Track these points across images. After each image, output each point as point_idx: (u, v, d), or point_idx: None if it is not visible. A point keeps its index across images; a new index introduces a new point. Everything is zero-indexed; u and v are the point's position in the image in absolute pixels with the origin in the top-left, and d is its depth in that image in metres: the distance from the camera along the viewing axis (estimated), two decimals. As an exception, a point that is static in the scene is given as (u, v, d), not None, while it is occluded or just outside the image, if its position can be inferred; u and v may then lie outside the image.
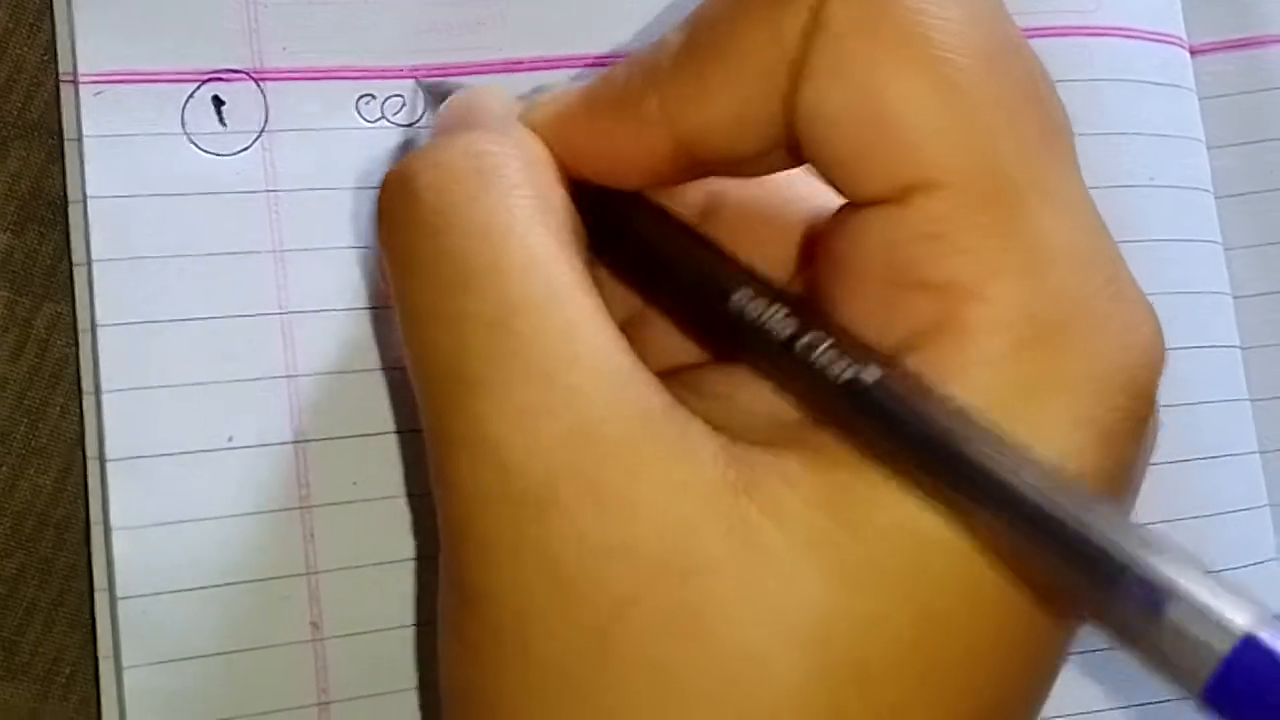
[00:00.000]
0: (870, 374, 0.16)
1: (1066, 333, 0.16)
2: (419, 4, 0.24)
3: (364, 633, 0.22)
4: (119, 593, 0.21)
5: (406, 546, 0.22)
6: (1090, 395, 0.16)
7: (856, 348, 0.16)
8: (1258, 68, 0.29)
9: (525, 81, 0.25)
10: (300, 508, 0.22)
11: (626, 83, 0.19)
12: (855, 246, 0.17)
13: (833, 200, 0.19)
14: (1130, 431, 0.16)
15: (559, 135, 0.19)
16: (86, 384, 0.22)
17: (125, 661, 0.21)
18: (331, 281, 0.23)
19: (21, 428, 0.23)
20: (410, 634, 0.22)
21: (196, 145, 0.23)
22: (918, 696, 0.16)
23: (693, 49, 0.18)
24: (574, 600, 0.16)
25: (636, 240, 0.19)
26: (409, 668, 0.22)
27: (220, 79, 0.23)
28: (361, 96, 0.24)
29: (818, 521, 0.16)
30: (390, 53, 0.24)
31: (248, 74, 0.23)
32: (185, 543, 0.21)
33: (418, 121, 0.24)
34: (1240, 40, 0.29)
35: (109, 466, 0.21)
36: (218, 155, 0.23)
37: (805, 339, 0.16)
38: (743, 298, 0.17)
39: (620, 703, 0.16)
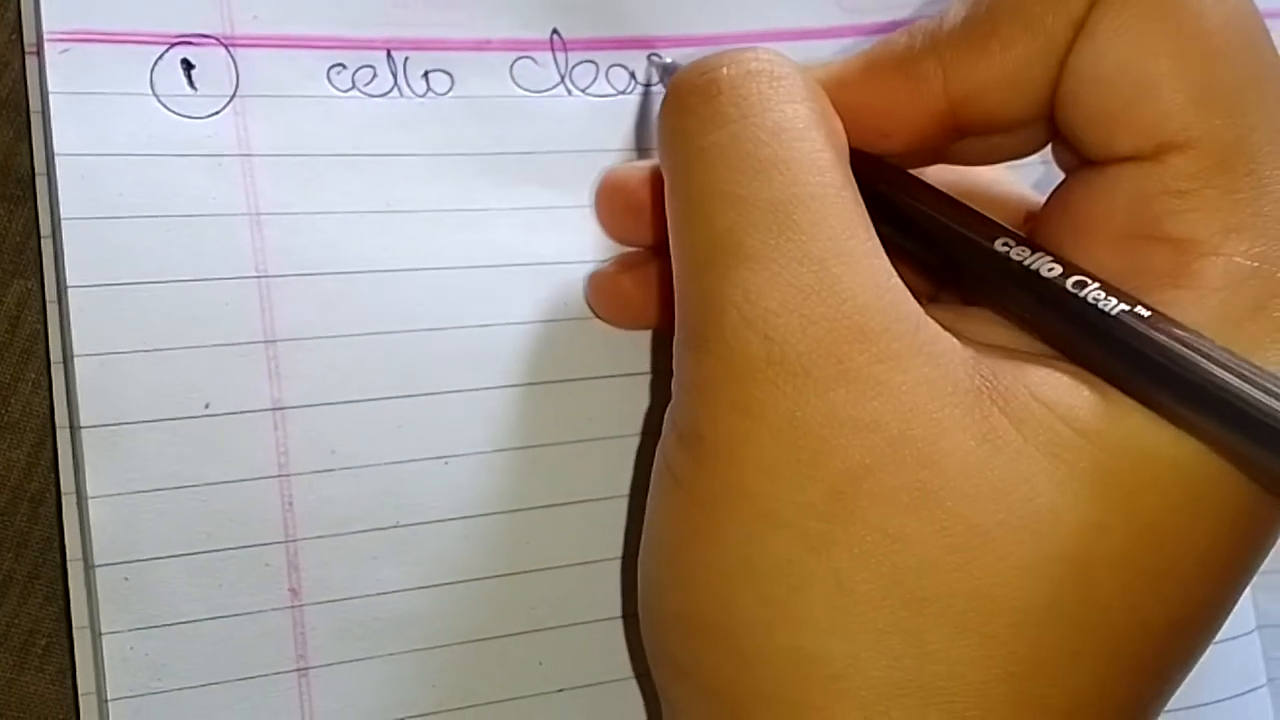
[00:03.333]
0: (1139, 308, 0.18)
1: None
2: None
3: (342, 599, 0.22)
4: (96, 560, 0.21)
5: (385, 514, 0.23)
6: None
7: (1114, 288, 0.19)
8: None
9: (498, 61, 0.26)
10: (279, 475, 0.22)
11: (908, 46, 0.21)
12: (1098, 202, 0.20)
13: (1027, 195, 0.23)
14: None
15: (838, 92, 0.21)
16: (55, 354, 0.22)
17: (103, 628, 0.21)
18: (309, 246, 0.23)
19: (-7, 401, 0.23)
20: (387, 600, 0.23)
21: (166, 107, 0.23)
22: (1124, 598, 0.18)
23: (976, 13, 0.20)
24: (816, 463, 0.18)
25: (892, 195, 0.21)
26: (386, 633, 0.23)
27: (189, 43, 0.23)
28: (333, 66, 0.24)
29: (1057, 429, 0.18)
30: (361, 24, 0.25)
31: (218, 39, 0.24)
32: (162, 510, 0.22)
33: (389, 92, 0.25)
34: None
35: (83, 434, 0.22)
36: (189, 118, 0.23)
37: (1074, 278, 0.19)
38: (1006, 245, 0.20)
39: (850, 561, 0.18)
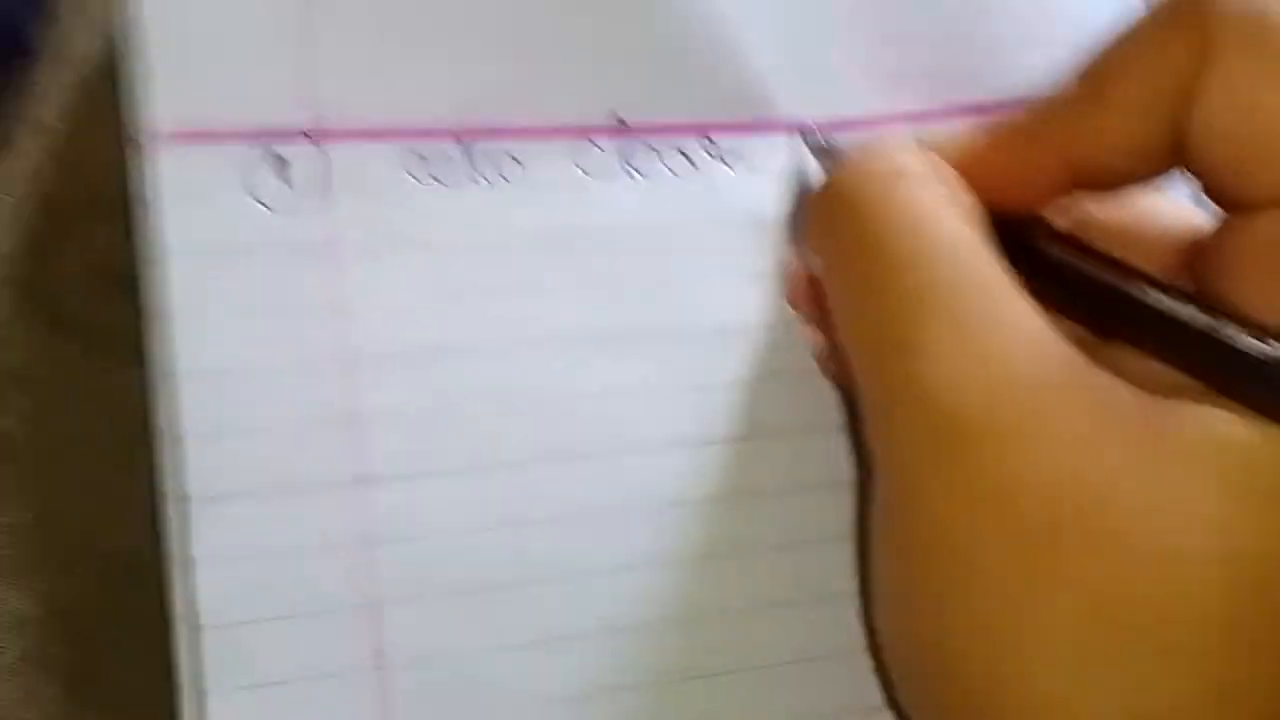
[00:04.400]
0: None
1: None
2: (461, 67, 0.27)
3: (426, 661, 0.24)
4: (203, 622, 0.23)
5: (464, 578, 0.25)
6: None
7: (1266, 331, 0.20)
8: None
9: (562, 148, 0.28)
10: (363, 543, 0.24)
11: (1028, 116, 0.23)
12: (1241, 247, 0.21)
13: (1190, 220, 0.23)
14: None
15: (961, 163, 0.23)
16: (164, 426, 0.24)
17: (208, 687, 0.23)
18: (388, 332, 0.25)
19: (108, 482, 0.26)
20: (467, 662, 0.24)
21: (261, 203, 0.25)
22: None
23: (1089, 81, 0.22)
24: (1005, 520, 0.20)
25: (1036, 249, 0.23)
26: (467, 694, 0.24)
27: (283, 139, 0.26)
28: (412, 156, 0.27)
29: (1220, 458, 0.19)
30: (435, 114, 0.27)
31: (308, 134, 0.26)
32: (260, 576, 0.24)
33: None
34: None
35: (191, 505, 0.24)
36: (283, 213, 0.25)
37: (1223, 324, 0.20)
38: (1151, 294, 0.21)
39: (1052, 611, 0.19)
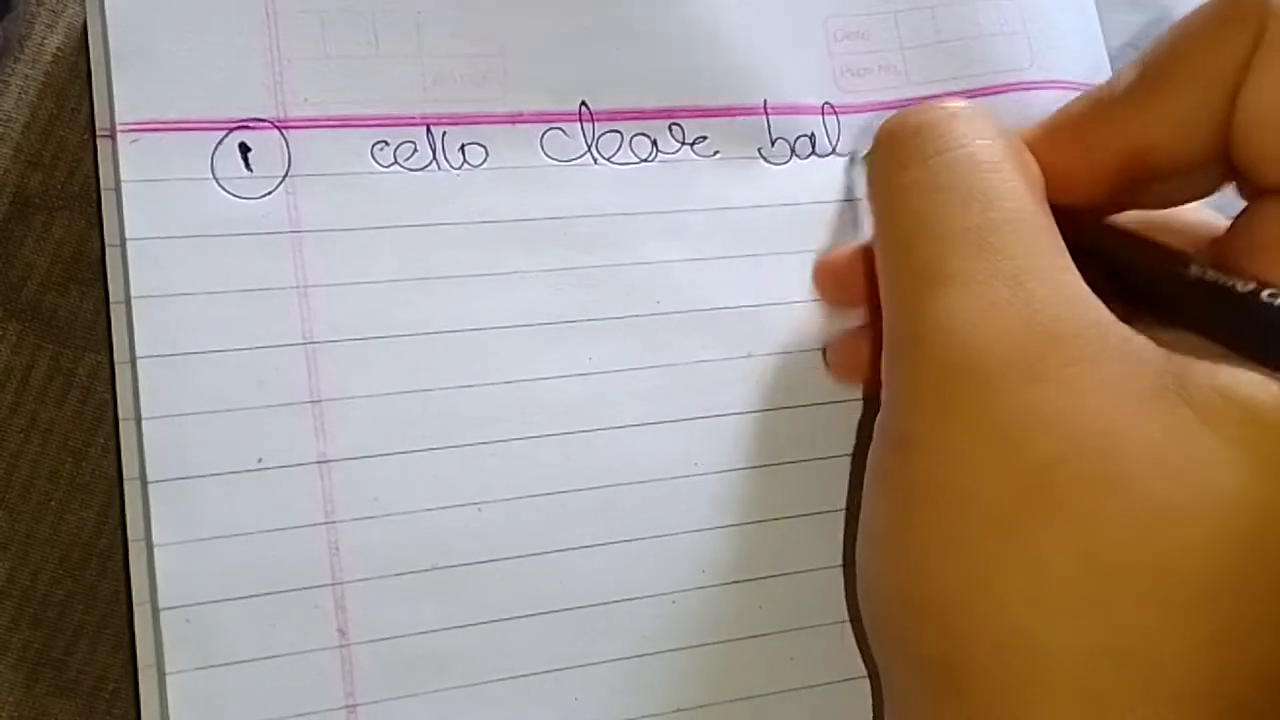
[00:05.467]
0: None
1: None
2: (428, 57, 0.28)
3: (388, 639, 0.24)
4: (161, 604, 0.23)
5: (424, 557, 0.25)
6: None
7: None
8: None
9: (529, 133, 0.28)
10: (325, 523, 0.25)
11: (1083, 111, 0.24)
12: (1268, 230, 0.22)
13: (1214, 219, 0.25)
14: None
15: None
16: (125, 411, 0.25)
17: (168, 668, 0.23)
18: (351, 314, 0.26)
19: (67, 466, 0.26)
20: (430, 639, 0.25)
21: (225, 190, 0.26)
22: None
23: (1144, 72, 0.23)
24: (1010, 457, 0.20)
25: (1086, 235, 0.24)
26: (431, 671, 0.25)
27: (247, 128, 0.26)
28: (376, 143, 0.27)
29: (1240, 420, 0.20)
30: (403, 102, 0.27)
31: (272, 123, 0.26)
32: (220, 557, 0.24)
33: (427, 167, 0.27)
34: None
35: (150, 488, 0.24)
36: (245, 199, 0.26)
37: (1267, 290, 0.21)
38: (1199, 269, 0.22)
39: (1044, 543, 0.20)
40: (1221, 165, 0.23)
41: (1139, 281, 0.23)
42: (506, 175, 0.28)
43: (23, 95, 0.27)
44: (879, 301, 0.24)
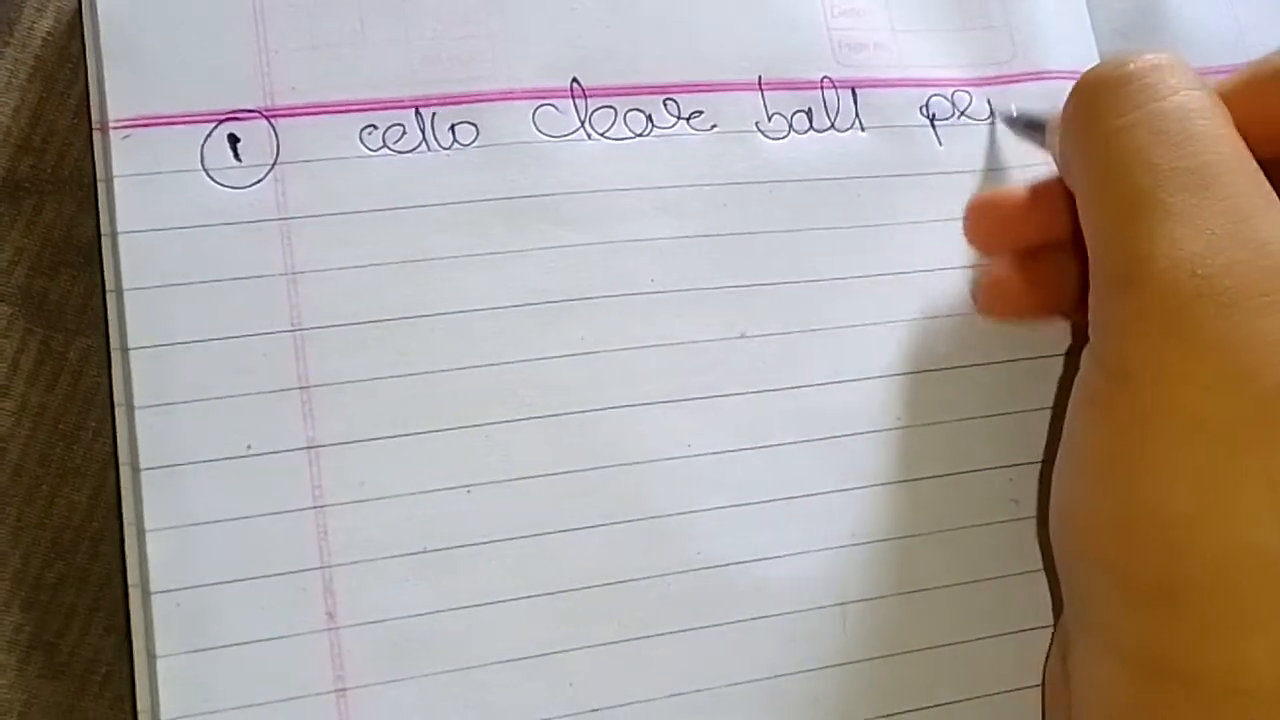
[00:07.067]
0: None
1: None
2: (415, 40, 0.28)
3: (376, 622, 0.25)
4: (152, 587, 0.24)
5: (413, 540, 0.25)
6: None
7: None
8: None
9: (521, 110, 0.28)
10: (314, 508, 0.25)
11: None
12: None
13: None
14: None
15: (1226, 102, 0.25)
16: (119, 397, 0.25)
17: (158, 651, 0.24)
18: (339, 299, 0.26)
19: (58, 450, 0.26)
20: (419, 622, 0.25)
21: (215, 180, 0.26)
22: None
23: None
24: (1245, 379, 0.21)
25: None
26: (420, 655, 0.25)
27: (235, 118, 0.27)
28: (364, 127, 0.27)
29: None
30: (392, 85, 0.27)
31: (260, 113, 0.27)
32: (210, 541, 0.24)
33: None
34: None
35: (142, 475, 0.24)
36: (234, 188, 0.26)
37: None
38: None
39: (1272, 474, 0.21)
40: None
41: None
42: (498, 153, 0.28)
43: (12, 79, 0.28)
44: (1075, 239, 0.25)
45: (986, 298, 0.30)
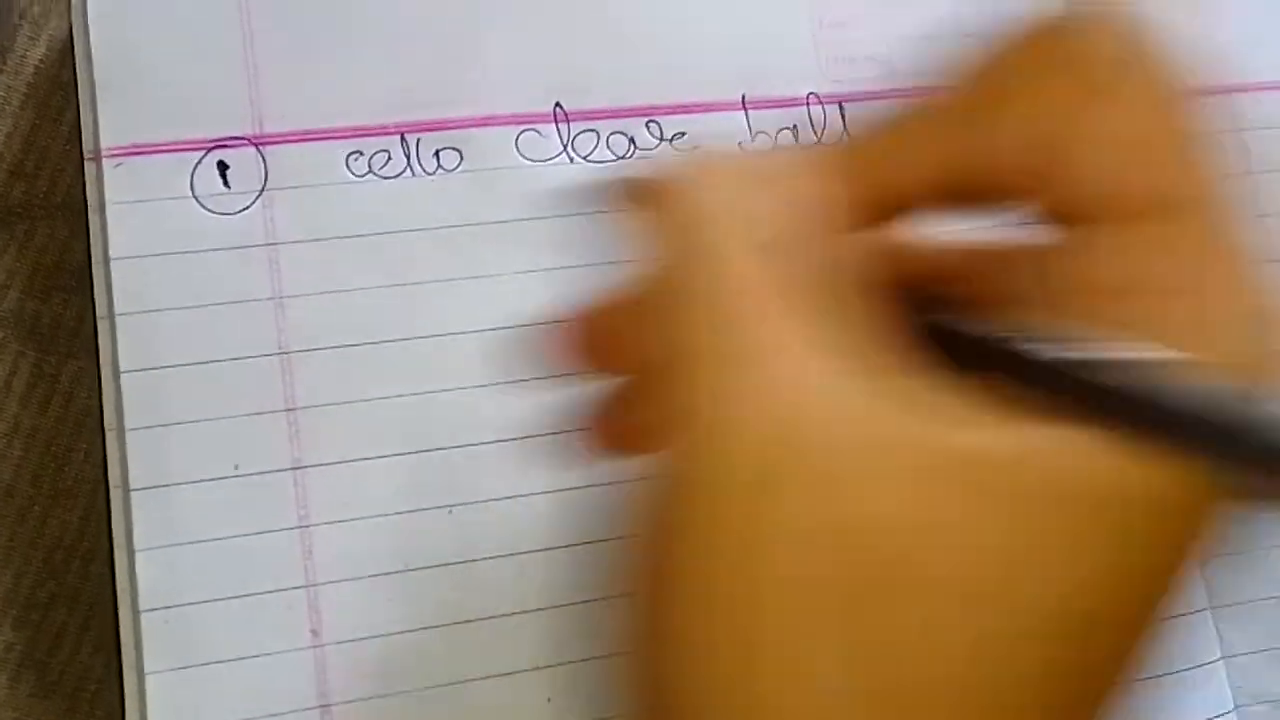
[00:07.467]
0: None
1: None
2: (400, 68, 0.28)
3: (359, 639, 0.25)
4: (141, 605, 0.25)
5: (397, 558, 0.26)
6: None
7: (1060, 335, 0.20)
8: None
9: (504, 135, 0.29)
10: (299, 527, 0.26)
11: (913, 114, 0.22)
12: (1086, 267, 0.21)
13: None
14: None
15: (848, 161, 0.22)
16: (110, 420, 0.26)
17: (147, 668, 0.24)
18: (325, 322, 0.27)
19: (50, 471, 0.27)
20: (401, 639, 0.26)
21: (204, 207, 0.27)
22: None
23: (973, 94, 0.22)
24: (758, 566, 0.18)
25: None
26: (402, 671, 0.26)
27: (225, 145, 0.27)
28: (351, 153, 0.28)
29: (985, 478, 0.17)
30: (377, 112, 0.28)
31: (249, 139, 0.27)
32: (198, 560, 0.25)
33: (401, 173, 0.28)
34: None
35: (132, 495, 0.25)
36: (223, 214, 0.27)
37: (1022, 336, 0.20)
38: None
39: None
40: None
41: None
42: (482, 178, 0.29)
43: (5, 106, 0.28)
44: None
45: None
